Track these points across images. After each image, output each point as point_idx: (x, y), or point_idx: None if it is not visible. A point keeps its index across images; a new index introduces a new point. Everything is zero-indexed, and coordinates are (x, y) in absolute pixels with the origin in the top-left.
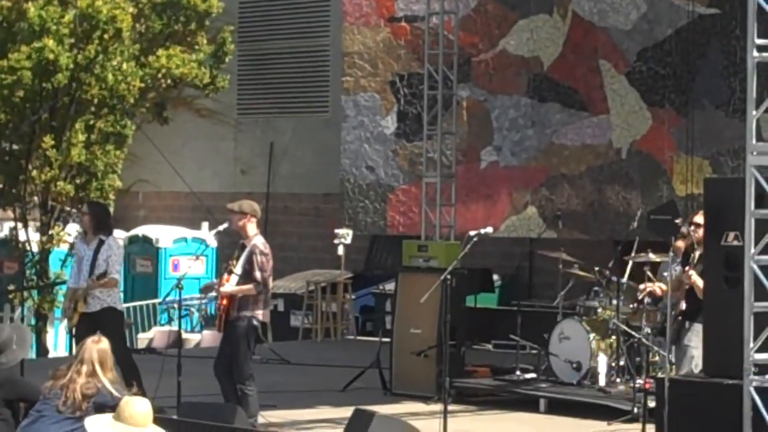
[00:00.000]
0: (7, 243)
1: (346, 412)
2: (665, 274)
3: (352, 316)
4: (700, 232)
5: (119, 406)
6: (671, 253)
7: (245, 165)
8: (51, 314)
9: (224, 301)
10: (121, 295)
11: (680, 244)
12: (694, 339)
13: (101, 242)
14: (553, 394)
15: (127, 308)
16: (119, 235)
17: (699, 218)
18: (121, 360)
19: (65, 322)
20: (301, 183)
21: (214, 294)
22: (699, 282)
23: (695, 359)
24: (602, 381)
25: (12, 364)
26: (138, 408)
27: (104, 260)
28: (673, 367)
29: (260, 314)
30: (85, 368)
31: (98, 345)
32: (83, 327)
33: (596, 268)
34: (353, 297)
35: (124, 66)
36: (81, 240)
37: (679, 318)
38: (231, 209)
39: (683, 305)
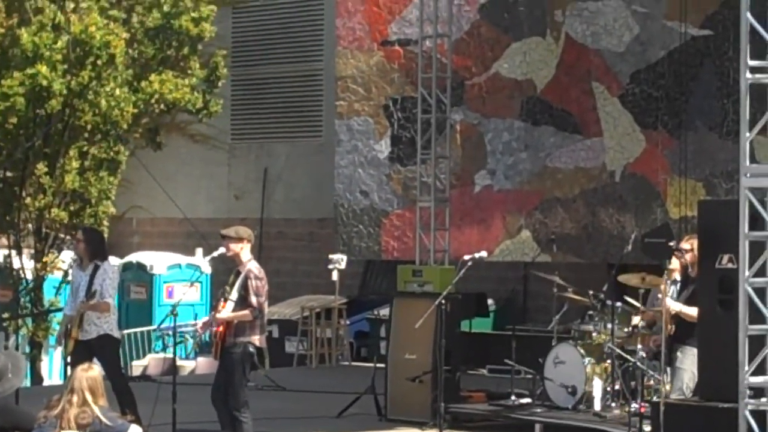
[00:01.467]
0: (1, 271)
1: None
2: (659, 296)
3: (346, 341)
4: (688, 256)
5: None
6: (665, 276)
7: (239, 190)
8: (45, 342)
9: (220, 328)
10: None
11: (675, 266)
12: (686, 361)
13: (96, 267)
14: (549, 419)
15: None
16: (114, 261)
17: (686, 244)
18: (117, 387)
19: (60, 349)
20: (295, 208)
21: (213, 328)
22: (683, 308)
23: (685, 381)
24: (597, 405)
25: (7, 393)
26: None
27: (99, 284)
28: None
29: (256, 340)
30: (75, 398)
31: (87, 373)
32: (79, 354)
33: (591, 292)
34: (348, 322)
35: (117, 92)
36: (77, 267)
37: (670, 340)
38: (226, 235)
39: (672, 330)
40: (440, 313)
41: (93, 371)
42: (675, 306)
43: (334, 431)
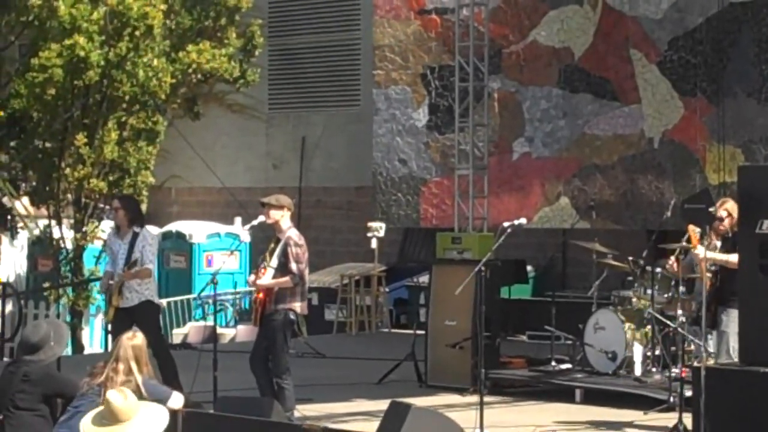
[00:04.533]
0: (42, 241)
1: (382, 404)
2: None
3: (386, 309)
4: (726, 222)
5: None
6: (705, 241)
7: (277, 160)
8: (86, 311)
9: (260, 295)
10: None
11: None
12: (730, 324)
13: (135, 235)
14: (589, 385)
15: None
16: (153, 231)
17: (721, 211)
18: (158, 353)
19: (101, 317)
20: (333, 177)
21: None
22: (723, 257)
23: (731, 344)
24: (638, 370)
25: (50, 361)
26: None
27: (139, 251)
28: (710, 354)
29: (297, 307)
30: (121, 366)
31: (132, 342)
32: (120, 321)
33: (630, 258)
34: (387, 290)
35: (155, 62)
36: (114, 235)
37: (713, 301)
38: (267, 203)
39: (711, 285)
40: (480, 280)
41: (137, 339)
42: (713, 255)
43: (375, 397)
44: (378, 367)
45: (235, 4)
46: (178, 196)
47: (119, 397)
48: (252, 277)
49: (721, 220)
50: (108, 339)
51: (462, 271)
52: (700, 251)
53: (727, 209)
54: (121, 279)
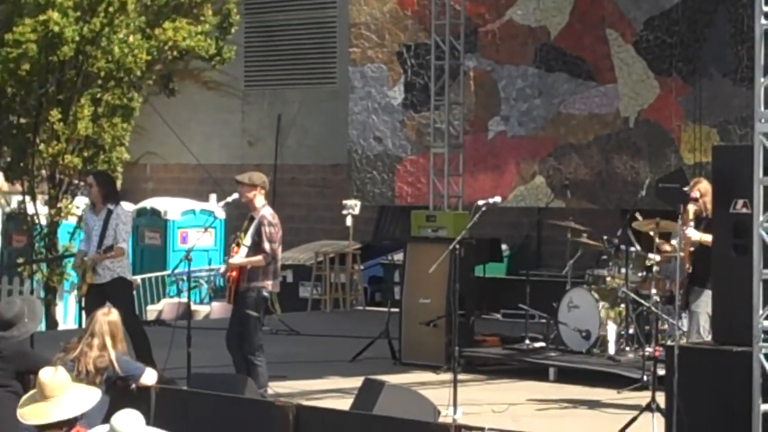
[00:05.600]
0: (16, 216)
1: (356, 382)
2: (674, 241)
3: (360, 286)
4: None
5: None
6: (680, 220)
7: (252, 137)
8: (60, 287)
9: (234, 273)
10: (131, 266)
11: (690, 208)
12: (700, 304)
13: (110, 212)
14: (563, 363)
15: None
16: (128, 207)
17: (695, 192)
18: (131, 329)
19: (74, 293)
20: (308, 154)
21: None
22: (703, 236)
23: (701, 324)
24: (611, 349)
25: (23, 337)
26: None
27: (113, 229)
28: (683, 333)
29: (270, 285)
30: (96, 341)
31: (108, 317)
32: (93, 298)
33: (605, 237)
34: (362, 268)
35: (131, 39)
36: (90, 211)
37: (687, 283)
38: (240, 181)
39: (690, 269)
40: (454, 258)
41: (113, 315)
42: (695, 235)
43: (348, 375)
44: (352, 344)
45: None
46: (153, 173)
47: (48, 372)
48: (222, 268)
49: (696, 200)
50: (82, 315)
51: (436, 249)
52: (690, 232)
53: (699, 190)
54: (94, 260)
